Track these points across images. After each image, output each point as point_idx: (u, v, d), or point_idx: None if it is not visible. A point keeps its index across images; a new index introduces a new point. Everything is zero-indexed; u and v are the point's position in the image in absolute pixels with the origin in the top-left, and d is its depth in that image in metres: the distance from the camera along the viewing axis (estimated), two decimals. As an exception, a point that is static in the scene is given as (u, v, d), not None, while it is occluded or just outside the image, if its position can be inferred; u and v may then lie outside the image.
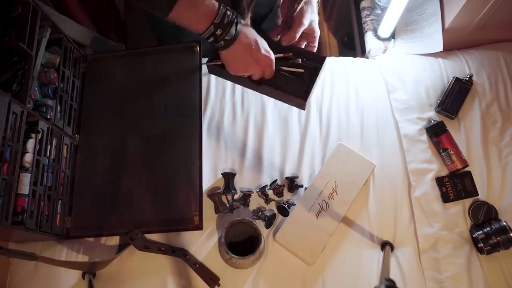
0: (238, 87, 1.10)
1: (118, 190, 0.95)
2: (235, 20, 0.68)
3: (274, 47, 0.77)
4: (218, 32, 0.67)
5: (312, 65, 0.82)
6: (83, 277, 0.89)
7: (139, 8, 0.71)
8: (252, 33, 0.72)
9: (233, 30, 0.68)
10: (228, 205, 0.95)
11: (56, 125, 0.90)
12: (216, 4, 0.67)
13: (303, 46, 0.85)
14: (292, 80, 0.82)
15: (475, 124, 1.04)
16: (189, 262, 0.89)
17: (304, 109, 0.84)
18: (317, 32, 0.84)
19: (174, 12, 0.65)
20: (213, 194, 0.95)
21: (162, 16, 0.66)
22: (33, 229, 0.78)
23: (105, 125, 1.02)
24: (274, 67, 0.77)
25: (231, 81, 0.89)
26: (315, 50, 0.86)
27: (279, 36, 0.82)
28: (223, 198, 0.96)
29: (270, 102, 1.08)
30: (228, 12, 0.67)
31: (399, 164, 1.01)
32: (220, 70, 0.82)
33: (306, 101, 0.80)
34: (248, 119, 1.06)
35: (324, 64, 0.81)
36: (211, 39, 0.69)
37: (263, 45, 0.74)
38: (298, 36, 0.81)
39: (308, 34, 0.84)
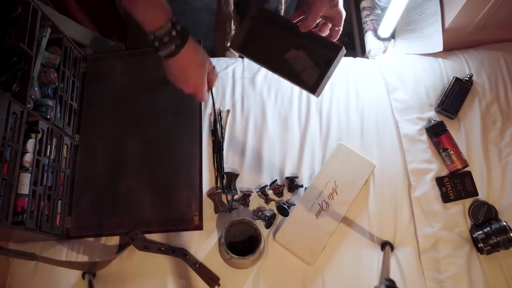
0: (238, 87, 1.10)
1: (118, 190, 0.95)
2: (185, 31, 0.67)
3: (292, 32, 0.73)
4: (166, 38, 0.65)
5: (326, 55, 0.75)
6: (83, 277, 0.89)
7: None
8: (198, 52, 0.71)
9: (181, 38, 0.66)
10: (227, 205, 0.95)
11: (56, 125, 0.90)
12: (170, 12, 0.65)
13: (327, 31, 0.78)
14: (309, 66, 0.76)
15: (475, 124, 1.04)
16: (189, 262, 0.89)
17: (317, 96, 0.79)
18: (342, 13, 0.76)
19: (131, 2, 0.63)
20: (213, 194, 0.95)
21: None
22: (33, 229, 0.78)
23: (105, 125, 1.02)
24: (203, 94, 0.75)
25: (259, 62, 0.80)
26: (339, 33, 0.79)
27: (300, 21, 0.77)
28: (223, 197, 0.96)
29: (270, 102, 1.08)
30: (180, 23, 0.66)
31: (399, 164, 1.01)
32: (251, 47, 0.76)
33: (315, 92, 0.76)
34: (248, 119, 1.06)
35: (340, 53, 0.74)
36: (165, 39, 0.66)
37: (200, 67, 0.72)
38: (314, 23, 0.74)
39: (331, 17, 0.76)
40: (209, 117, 1.05)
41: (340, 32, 0.78)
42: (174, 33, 0.65)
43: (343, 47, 0.74)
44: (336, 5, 0.74)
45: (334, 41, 0.77)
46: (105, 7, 1.44)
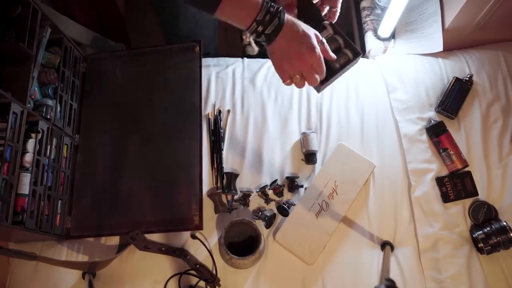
0: (238, 87, 1.10)
1: (118, 190, 0.95)
2: (278, 15, 0.66)
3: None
4: (260, 28, 0.66)
5: (344, 57, 0.76)
6: (83, 277, 0.89)
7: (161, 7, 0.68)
8: (298, 27, 0.69)
9: (274, 25, 0.66)
10: (228, 205, 0.96)
11: (56, 125, 0.90)
12: (255, 14, 0.65)
13: (325, 10, 0.80)
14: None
15: (475, 124, 1.04)
16: (189, 262, 0.89)
17: (318, 93, 0.80)
18: None
19: (220, 10, 0.65)
20: (213, 194, 0.95)
21: (208, 13, 0.66)
22: (33, 229, 0.78)
23: (105, 125, 1.02)
24: (322, 65, 0.71)
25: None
26: (337, 14, 0.81)
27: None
28: (223, 198, 0.96)
29: (270, 102, 1.08)
30: (271, 9, 0.65)
31: (399, 164, 1.01)
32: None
33: (319, 89, 0.77)
34: (248, 119, 1.06)
35: (356, 59, 0.75)
36: (254, 35, 0.68)
37: (310, 40, 0.69)
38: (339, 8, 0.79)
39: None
40: (207, 116, 1.05)
41: (338, 13, 0.80)
42: (260, 28, 0.66)
43: (361, 54, 0.75)
44: None
45: (353, 45, 0.77)
46: (105, 7, 1.44)
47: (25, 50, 0.80)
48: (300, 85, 0.75)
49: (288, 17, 0.68)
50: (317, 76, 0.72)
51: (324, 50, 0.73)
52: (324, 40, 0.73)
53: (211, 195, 0.95)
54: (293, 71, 0.72)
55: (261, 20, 0.66)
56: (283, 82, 0.75)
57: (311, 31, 0.70)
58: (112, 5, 1.52)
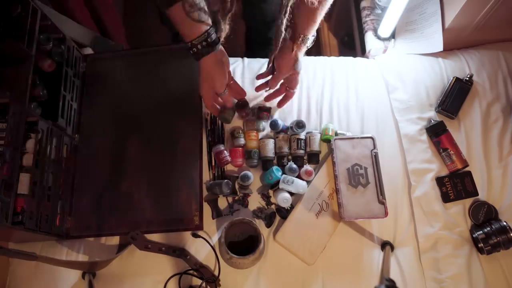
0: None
1: (118, 190, 0.95)
2: (213, 44, 0.81)
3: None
4: (194, 49, 0.81)
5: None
6: (83, 277, 0.89)
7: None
8: (221, 57, 0.84)
9: (205, 51, 0.81)
10: (228, 207, 0.96)
11: (59, 124, 0.90)
12: (204, 28, 0.79)
13: (284, 92, 1.02)
14: None
15: (475, 124, 1.04)
16: (190, 262, 0.89)
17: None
18: (298, 81, 0.99)
19: (171, 11, 0.76)
20: (210, 200, 0.95)
21: (162, 9, 0.77)
22: (33, 229, 0.78)
23: (105, 125, 1.02)
24: (207, 99, 0.89)
25: None
26: (293, 95, 1.02)
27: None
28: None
29: (270, 102, 1.08)
30: (211, 37, 0.80)
31: (399, 164, 1.01)
32: None
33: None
34: (248, 119, 1.06)
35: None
36: (190, 49, 0.82)
37: (220, 70, 0.85)
38: (278, 84, 1.00)
39: (290, 80, 0.99)
40: (205, 116, 1.04)
41: (294, 94, 1.02)
42: (204, 43, 0.80)
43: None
44: (297, 73, 0.96)
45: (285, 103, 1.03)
46: (105, 7, 1.44)
47: (25, 50, 0.80)
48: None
49: (219, 49, 0.83)
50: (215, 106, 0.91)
51: (234, 85, 0.94)
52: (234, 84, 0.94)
53: (208, 200, 0.95)
54: (204, 87, 0.88)
55: (196, 43, 0.80)
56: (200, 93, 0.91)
57: (225, 72, 0.86)
58: (112, 5, 1.52)
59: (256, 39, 1.51)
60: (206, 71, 0.84)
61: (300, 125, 1.00)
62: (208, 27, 0.79)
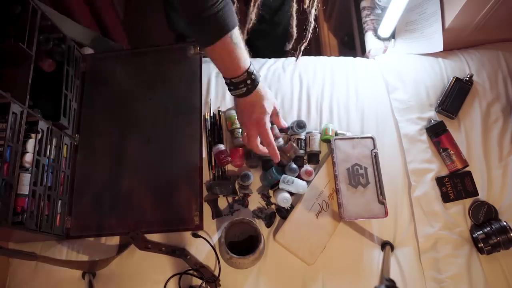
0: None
1: (118, 190, 0.95)
2: (254, 83, 0.77)
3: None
4: (233, 86, 0.77)
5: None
6: (83, 277, 0.89)
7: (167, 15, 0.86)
8: (265, 94, 0.80)
9: (245, 89, 0.77)
10: (228, 207, 0.96)
11: (61, 123, 0.90)
12: (247, 66, 0.75)
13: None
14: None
15: (475, 124, 1.04)
16: (190, 262, 0.89)
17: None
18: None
19: (214, 47, 0.71)
20: (210, 200, 0.95)
21: (202, 45, 0.74)
22: (33, 229, 0.78)
23: (105, 125, 1.02)
24: (267, 136, 0.82)
25: None
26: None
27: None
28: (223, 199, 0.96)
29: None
30: (253, 76, 0.76)
31: (399, 164, 1.01)
32: None
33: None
34: (248, 119, 1.06)
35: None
36: (228, 86, 0.78)
37: (265, 111, 0.81)
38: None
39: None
40: (204, 116, 1.04)
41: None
42: (248, 81, 0.76)
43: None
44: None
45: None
46: (105, 7, 1.44)
47: (25, 50, 0.80)
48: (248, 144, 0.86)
49: (259, 86, 0.79)
50: (261, 147, 0.84)
51: (276, 120, 0.90)
52: (280, 113, 0.90)
53: (208, 200, 0.95)
54: (243, 126, 0.85)
55: (245, 79, 0.76)
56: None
57: (270, 103, 0.82)
58: (112, 5, 1.52)
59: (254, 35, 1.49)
60: (260, 104, 0.80)
61: (300, 125, 1.00)
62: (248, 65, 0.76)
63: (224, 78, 0.77)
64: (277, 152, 0.84)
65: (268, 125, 0.82)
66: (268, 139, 0.82)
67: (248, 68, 0.75)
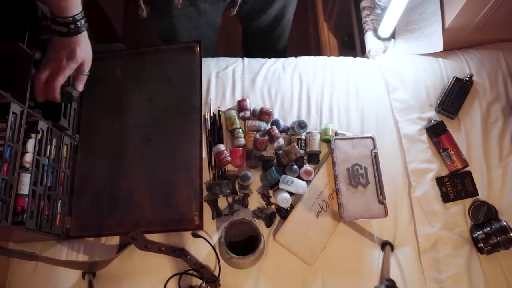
0: (238, 87, 1.10)
1: (118, 190, 0.95)
2: (78, 30, 0.78)
3: None
4: (56, 24, 0.76)
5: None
6: (83, 277, 0.89)
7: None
8: (82, 46, 0.80)
9: (66, 30, 0.77)
10: (228, 207, 0.96)
11: (61, 124, 0.90)
12: (76, 12, 0.76)
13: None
14: None
15: (475, 124, 1.04)
16: (190, 262, 0.89)
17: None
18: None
19: None
20: (210, 200, 0.95)
21: None
22: (33, 229, 0.78)
23: (105, 125, 1.02)
24: (56, 82, 0.80)
25: None
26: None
27: None
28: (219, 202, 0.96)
29: (271, 102, 1.08)
30: (78, 23, 0.77)
31: (399, 164, 1.01)
32: None
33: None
34: (248, 119, 1.06)
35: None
36: (51, 22, 0.77)
37: (75, 54, 0.79)
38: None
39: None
40: (204, 116, 1.03)
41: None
42: (72, 26, 0.77)
43: None
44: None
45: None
46: (105, 7, 1.44)
47: (25, 50, 0.80)
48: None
49: (81, 37, 0.79)
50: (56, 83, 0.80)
51: (78, 77, 0.85)
52: (86, 72, 0.85)
53: (208, 200, 0.95)
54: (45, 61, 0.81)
55: (64, 23, 0.76)
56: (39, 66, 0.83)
57: (82, 55, 0.81)
58: (111, 5, 1.52)
59: (253, 46, 1.50)
60: (74, 49, 0.79)
61: (302, 125, 1.00)
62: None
63: (50, 13, 0.77)
64: (53, 93, 0.82)
65: (68, 69, 0.80)
66: (56, 78, 0.80)
67: (77, 15, 0.77)
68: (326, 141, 1.01)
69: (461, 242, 0.93)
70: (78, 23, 0.78)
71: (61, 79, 0.80)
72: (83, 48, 0.81)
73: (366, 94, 1.10)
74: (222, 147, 0.97)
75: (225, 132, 1.03)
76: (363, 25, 1.26)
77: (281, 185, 0.92)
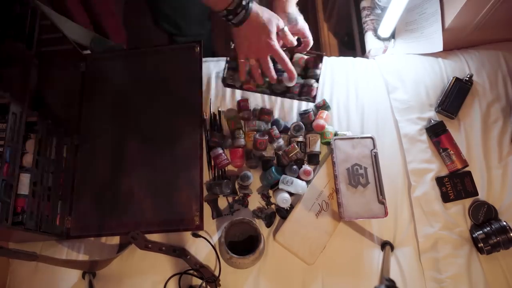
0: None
1: (118, 190, 0.95)
2: (246, 7, 0.77)
3: None
4: (230, 17, 0.77)
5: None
6: (83, 277, 0.89)
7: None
8: (261, 18, 0.78)
9: (241, 15, 0.77)
10: (228, 207, 0.96)
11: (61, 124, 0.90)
12: None
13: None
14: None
15: (475, 124, 1.04)
16: (190, 262, 0.89)
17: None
18: (302, 28, 0.91)
19: None
20: (209, 200, 0.95)
21: None
22: (33, 229, 0.78)
23: (105, 125, 1.02)
24: (279, 54, 0.81)
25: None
26: (310, 43, 0.94)
27: None
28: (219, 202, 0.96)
29: (271, 102, 1.08)
30: (243, 2, 0.76)
31: (399, 164, 1.01)
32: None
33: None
34: (248, 119, 1.06)
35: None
36: (224, 19, 0.78)
37: (268, 30, 0.79)
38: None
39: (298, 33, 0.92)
40: (204, 116, 1.03)
41: (311, 42, 0.93)
42: (244, 2, 0.76)
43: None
44: (296, 24, 0.89)
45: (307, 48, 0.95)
46: (105, 7, 1.44)
47: (25, 50, 0.80)
48: (255, 73, 0.86)
49: (254, 8, 0.78)
50: (271, 68, 0.83)
51: (283, 37, 0.84)
52: (286, 28, 0.84)
53: (208, 200, 0.95)
54: (250, 54, 0.83)
55: (231, 10, 0.76)
56: (239, 59, 0.86)
57: (272, 22, 0.80)
58: (112, 5, 1.51)
59: None
60: (262, 25, 0.79)
61: (297, 128, 0.99)
62: None
63: (219, 12, 0.77)
64: (292, 67, 0.85)
65: (278, 45, 0.81)
66: (282, 57, 0.82)
67: (229, 5, 0.76)
68: (326, 144, 1.01)
69: (461, 242, 0.93)
70: (239, 7, 0.76)
71: (284, 55, 0.83)
72: (268, 16, 0.79)
73: (366, 94, 1.10)
74: (220, 150, 0.97)
75: (225, 132, 1.03)
76: (363, 25, 1.26)
77: (280, 185, 0.92)
